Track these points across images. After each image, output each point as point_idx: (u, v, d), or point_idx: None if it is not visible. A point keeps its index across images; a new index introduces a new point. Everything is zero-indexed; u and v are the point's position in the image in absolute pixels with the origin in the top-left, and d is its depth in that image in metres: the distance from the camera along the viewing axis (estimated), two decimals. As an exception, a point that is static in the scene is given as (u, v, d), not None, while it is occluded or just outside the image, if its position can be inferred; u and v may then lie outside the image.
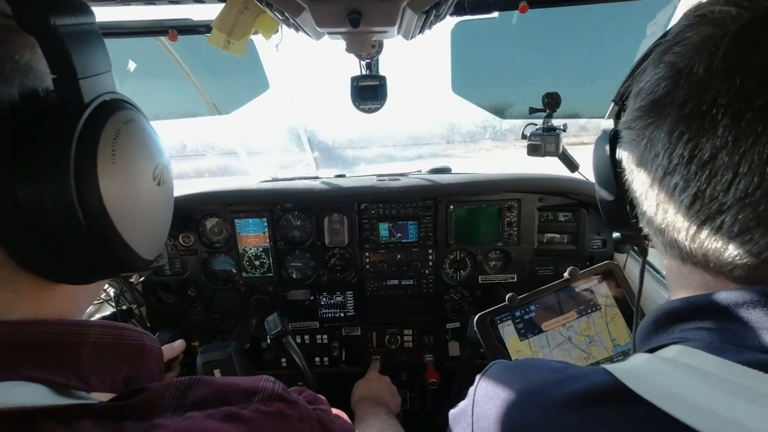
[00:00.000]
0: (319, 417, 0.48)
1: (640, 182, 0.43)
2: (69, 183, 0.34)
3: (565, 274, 1.03)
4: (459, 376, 1.48)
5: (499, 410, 0.44)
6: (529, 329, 1.03)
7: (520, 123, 1.44)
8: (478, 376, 0.52)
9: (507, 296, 1.02)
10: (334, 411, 0.54)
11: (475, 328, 1.03)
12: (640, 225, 0.47)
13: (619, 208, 0.54)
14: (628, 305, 1.03)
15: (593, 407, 0.38)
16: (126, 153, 0.39)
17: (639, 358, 0.40)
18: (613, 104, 0.56)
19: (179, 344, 1.05)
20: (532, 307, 1.04)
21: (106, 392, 0.38)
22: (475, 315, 1.04)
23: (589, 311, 1.03)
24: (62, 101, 0.35)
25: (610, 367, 0.40)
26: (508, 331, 1.02)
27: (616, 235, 0.65)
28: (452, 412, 0.55)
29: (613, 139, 0.52)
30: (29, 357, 0.34)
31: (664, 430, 0.33)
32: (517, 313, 1.03)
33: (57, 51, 0.34)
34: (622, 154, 0.47)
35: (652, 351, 0.41)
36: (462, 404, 0.52)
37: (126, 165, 0.39)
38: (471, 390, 0.51)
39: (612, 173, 0.52)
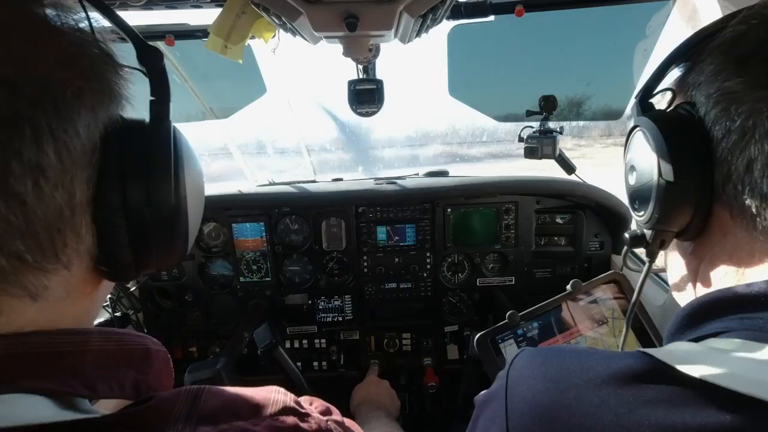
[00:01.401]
0: (334, 429, 0.47)
1: (745, 152, 0.41)
2: (170, 178, 0.43)
3: (568, 287, 0.98)
4: (463, 396, 1.44)
5: (534, 390, 0.43)
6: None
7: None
8: (509, 360, 0.51)
9: (507, 314, 0.96)
10: (347, 421, 0.53)
11: (476, 349, 0.97)
12: (744, 196, 0.43)
13: (689, 187, 0.49)
14: (637, 316, 0.96)
15: (633, 385, 0.38)
16: (191, 155, 0.50)
17: (683, 345, 0.40)
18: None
19: None
20: (535, 324, 0.97)
21: (115, 398, 0.38)
22: (477, 333, 0.99)
23: (595, 325, 0.97)
24: (156, 116, 0.46)
25: (648, 350, 0.40)
26: (510, 350, 0.96)
27: (631, 230, 0.61)
28: (480, 397, 0.54)
29: (676, 119, 0.50)
30: (31, 368, 0.33)
31: (720, 407, 0.33)
32: (519, 332, 0.97)
33: (161, 82, 0.47)
34: (715, 131, 0.45)
35: (696, 341, 0.40)
36: (493, 387, 0.51)
37: (192, 164, 0.49)
38: (502, 374, 0.50)
39: (681, 153, 0.48)
